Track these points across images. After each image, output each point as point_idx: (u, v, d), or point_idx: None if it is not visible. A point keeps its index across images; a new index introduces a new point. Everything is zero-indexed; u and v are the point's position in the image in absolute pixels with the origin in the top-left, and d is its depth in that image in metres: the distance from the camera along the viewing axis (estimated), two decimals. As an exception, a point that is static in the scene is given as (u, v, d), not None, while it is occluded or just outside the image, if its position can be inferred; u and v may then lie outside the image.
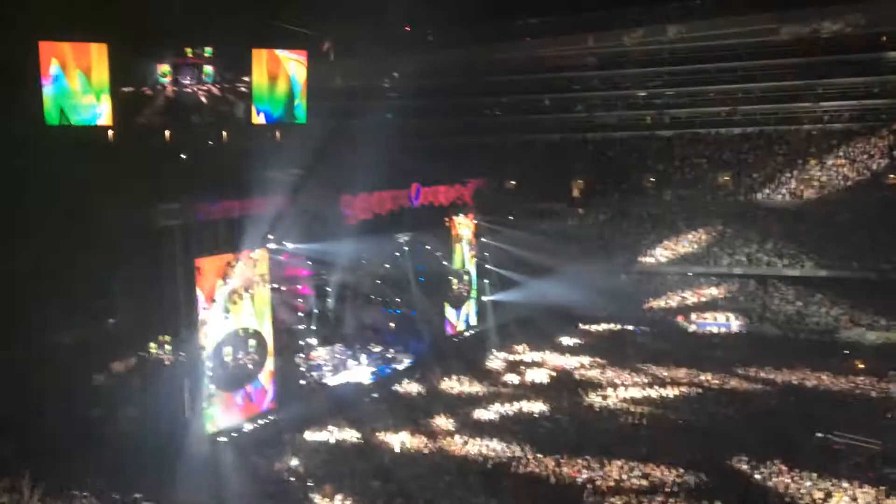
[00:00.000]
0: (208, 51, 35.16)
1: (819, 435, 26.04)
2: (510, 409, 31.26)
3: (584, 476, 24.11)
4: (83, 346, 27.68)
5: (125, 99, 32.72)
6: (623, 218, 55.26)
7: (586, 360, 38.12)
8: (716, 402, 31.09)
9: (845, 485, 22.66)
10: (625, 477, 23.93)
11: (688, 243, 51.50)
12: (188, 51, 34.45)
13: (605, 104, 61.39)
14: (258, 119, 37.07)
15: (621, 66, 60.57)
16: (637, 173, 57.71)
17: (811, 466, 23.85)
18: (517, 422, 29.88)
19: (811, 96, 55.12)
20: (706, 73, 57.68)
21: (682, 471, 24.11)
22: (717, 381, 33.87)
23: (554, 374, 36.09)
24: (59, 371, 26.19)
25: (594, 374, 35.90)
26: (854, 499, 21.98)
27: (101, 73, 31.54)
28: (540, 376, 35.69)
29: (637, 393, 32.51)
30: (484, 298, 44.31)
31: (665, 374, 35.31)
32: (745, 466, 24.49)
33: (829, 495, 22.12)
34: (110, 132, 33.23)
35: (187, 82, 34.40)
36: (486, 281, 44.46)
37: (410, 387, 34.66)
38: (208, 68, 35.50)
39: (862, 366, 35.46)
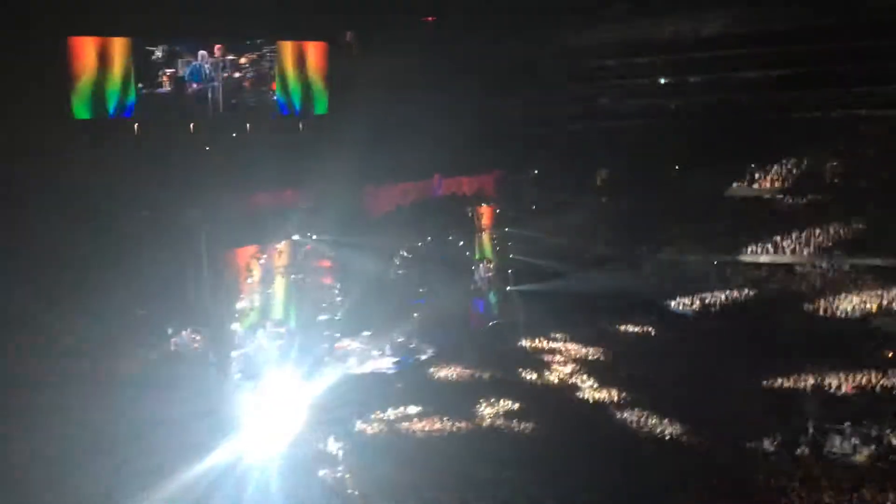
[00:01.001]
0: (233, 44, 35.25)
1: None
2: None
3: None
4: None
5: (149, 93, 32.88)
6: (647, 207, 54.74)
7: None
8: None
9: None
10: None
11: (713, 232, 51.05)
12: (215, 45, 34.56)
13: (629, 92, 60.62)
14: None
15: (645, 53, 59.74)
16: (661, 162, 57.14)
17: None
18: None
19: (840, 81, 54.15)
20: (731, 60, 56.85)
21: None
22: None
23: (576, 365, 35.95)
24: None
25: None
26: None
27: (128, 66, 31.87)
28: (563, 367, 35.55)
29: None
30: (508, 289, 44.27)
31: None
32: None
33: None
34: (136, 125, 33.55)
35: (213, 73, 34.58)
36: (510, 271, 44.42)
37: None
38: (234, 62, 35.67)
39: (891, 355, 34.96)
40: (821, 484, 22.28)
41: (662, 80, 59.96)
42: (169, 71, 33.84)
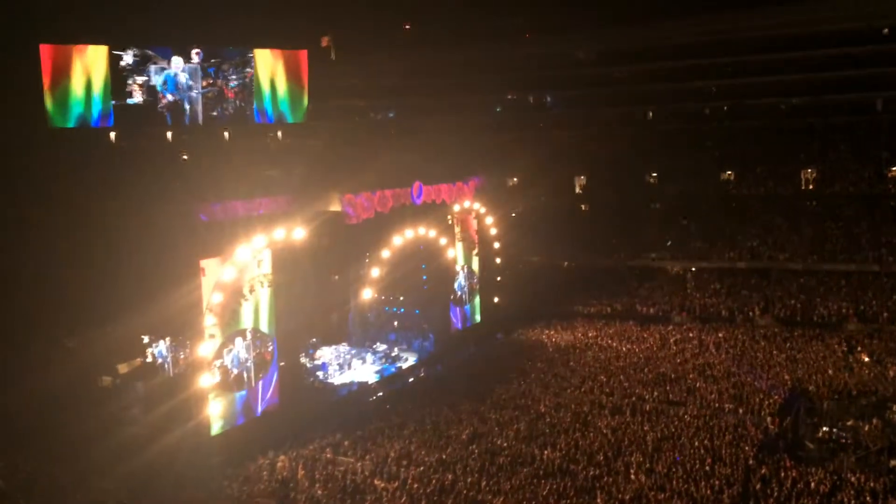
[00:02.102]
0: (210, 51, 34.87)
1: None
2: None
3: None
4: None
5: (119, 104, 32.27)
6: (626, 213, 55.09)
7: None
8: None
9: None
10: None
11: (690, 237, 51.47)
12: (192, 51, 34.06)
13: (606, 99, 61.01)
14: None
15: (620, 61, 60.20)
16: (640, 168, 57.60)
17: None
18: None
19: (813, 90, 55.08)
20: (707, 68, 57.53)
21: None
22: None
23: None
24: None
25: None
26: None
27: (102, 74, 31.48)
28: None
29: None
30: (490, 296, 44.37)
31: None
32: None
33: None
34: (112, 134, 33.19)
35: (190, 83, 34.14)
36: (498, 278, 44.59)
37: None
38: (211, 70, 35.28)
39: (867, 358, 35.37)
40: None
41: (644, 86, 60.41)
42: (140, 80, 32.07)
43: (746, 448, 24.86)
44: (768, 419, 27.72)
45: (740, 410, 28.85)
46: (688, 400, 30.47)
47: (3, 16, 30.25)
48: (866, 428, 26.34)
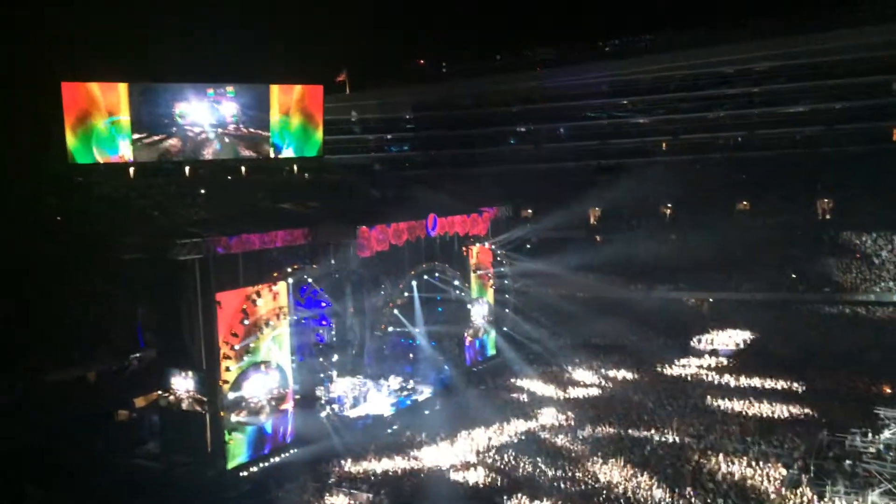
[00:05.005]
0: (231, 90, 35.32)
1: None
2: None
3: None
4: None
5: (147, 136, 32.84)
6: (641, 244, 54.92)
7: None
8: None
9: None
10: None
11: (707, 269, 51.13)
12: (209, 90, 34.50)
13: (619, 131, 61.33)
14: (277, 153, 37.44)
15: (634, 92, 60.67)
16: (654, 199, 57.57)
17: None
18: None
19: (827, 119, 55.11)
20: (718, 98, 57.83)
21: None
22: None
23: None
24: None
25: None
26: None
27: (123, 111, 31.96)
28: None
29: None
30: (504, 329, 44.13)
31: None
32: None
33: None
34: (131, 169, 33.61)
35: (206, 120, 34.54)
36: (505, 310, 44.35)
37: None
38: (228, 105, 35.71)
39: (889, 390, 34.78)
40: None
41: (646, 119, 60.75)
42: (151, 115, 32.86)
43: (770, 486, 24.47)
44: (795, 453, 27.29)
45: (762, 444, 28.41)
46: (707, 434, 30.06)
47: (25, 54, 30.90)
48: (890, 461, 25.83)
